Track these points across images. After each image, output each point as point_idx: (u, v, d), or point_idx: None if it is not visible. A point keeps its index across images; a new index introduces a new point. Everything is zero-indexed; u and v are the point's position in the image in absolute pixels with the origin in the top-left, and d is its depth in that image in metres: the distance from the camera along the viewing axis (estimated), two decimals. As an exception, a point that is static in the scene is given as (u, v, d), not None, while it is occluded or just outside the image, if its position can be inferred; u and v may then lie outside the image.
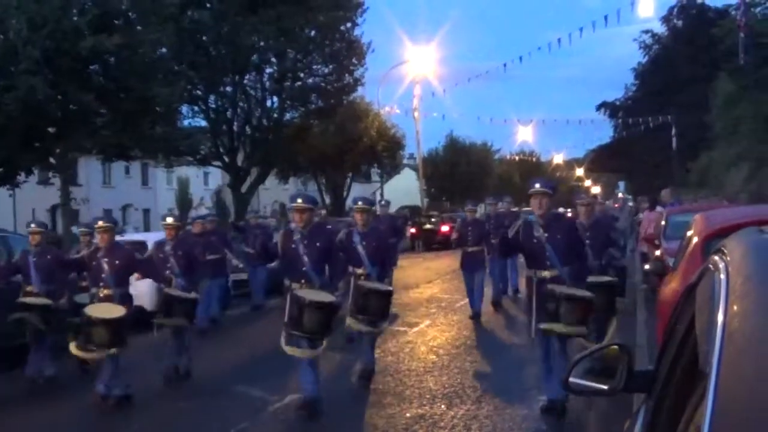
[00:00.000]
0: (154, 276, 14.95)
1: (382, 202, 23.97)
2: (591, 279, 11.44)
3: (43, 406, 12.94)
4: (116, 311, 12.30)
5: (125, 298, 12.90)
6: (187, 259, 15.19)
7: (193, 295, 14.44)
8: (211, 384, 13.71)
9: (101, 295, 12.73)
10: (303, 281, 11.33)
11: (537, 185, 10.45)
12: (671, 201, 27.28)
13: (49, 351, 14.65)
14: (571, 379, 3.53)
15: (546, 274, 10.36)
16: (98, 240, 12.99)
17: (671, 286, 9.86)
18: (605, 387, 3.48)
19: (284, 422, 10.68)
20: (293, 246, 11.43)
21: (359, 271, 13.13)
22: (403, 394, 12.01)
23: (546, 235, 10.41)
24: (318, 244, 11.44)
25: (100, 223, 12.92)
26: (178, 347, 13.98)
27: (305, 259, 11.33)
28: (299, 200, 11.46)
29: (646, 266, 20.33)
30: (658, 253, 18.08)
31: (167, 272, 15.00)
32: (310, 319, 10.81)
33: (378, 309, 12.32)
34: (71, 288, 15.48)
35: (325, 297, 11.17)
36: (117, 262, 12.78)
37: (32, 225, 15.26)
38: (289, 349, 11.25)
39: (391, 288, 13.52)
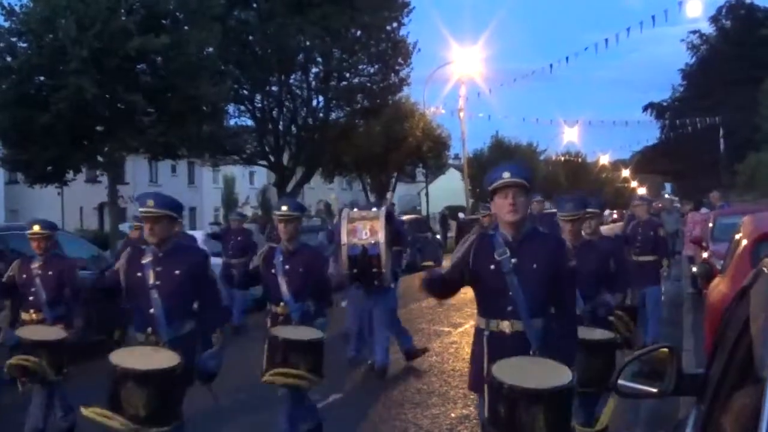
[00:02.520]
0: None
1: (387, 195, 19.91)
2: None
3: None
4: None
5: None
6: (59, 283, 10.85)
7: (61, 335, 10.06)
8: (256, 382, 13.11)
9: None
10: (149, 330, 7.64)
11: (506, 174, 6.12)
12: (720, 203, 27.00)
13: None
14: (620, 382, 3.54)
15: (505, 326, 6.17)
16: None
17: (720, 289, 9.79)
18: (654, 390, 3.48)
19: (333, 420, 10.61)
20: (139, 274, 7.72)
21: (277, 308, 9.47)
22: (447, 394, 11.96)
23: (514, 260, 6.11)
24: (177, 272, 7.74)
25: None
26: (43, 403, 10.00)
27: (154, 295, 7.61)
28: (150, 202, 7.69)
29: (693, 269, 20.18)
30: (705, 255, 17.95)
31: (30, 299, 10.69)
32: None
33: (302, 366, 8.94)
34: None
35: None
36: None
37: None
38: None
39: (319, 336, 8.98)
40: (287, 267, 9.40)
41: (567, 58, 48.84)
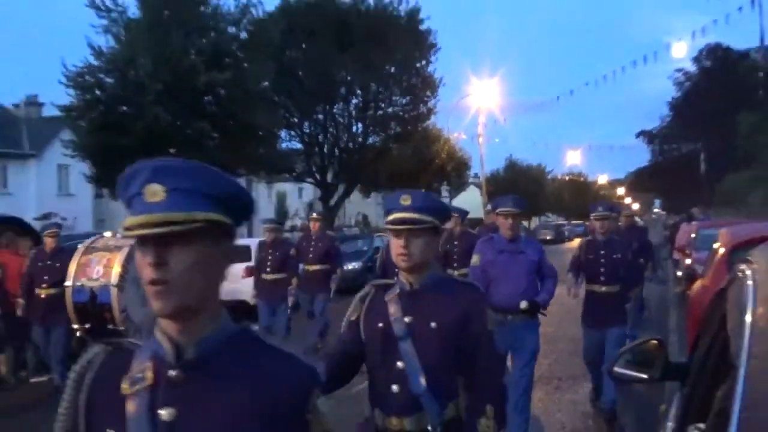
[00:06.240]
0: None
1: (313, 215, 15.58)
2: None
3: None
4: None
5: None
6: None
7: None
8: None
9: None
10: None
11: (404, 201, 3.73)
12: (701, 217, 27.01)
13: None
14: (615, 369, 3.55)
15: (395, 423, 3.70)
16: None
17: (700, 290, 9.74)
18: (645, 376, 3.49)
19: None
20: None
21: None
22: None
23: (408, 319, 3.71)
24: None
25: None
26: None
27: None
28: None
29: (678, 273, 20.13)
30: (688, 261, 17.88)
31: None
32: None
33: None
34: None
35: None
36: None
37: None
38: None
39: None
40: None
41: (571, 92, 49.18)
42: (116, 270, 6.45)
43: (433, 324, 3.59)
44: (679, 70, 69.58)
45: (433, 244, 3.73)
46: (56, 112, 37.02)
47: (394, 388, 3.58)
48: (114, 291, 6.37)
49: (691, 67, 68.21)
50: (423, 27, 44.51)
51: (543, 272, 7.83)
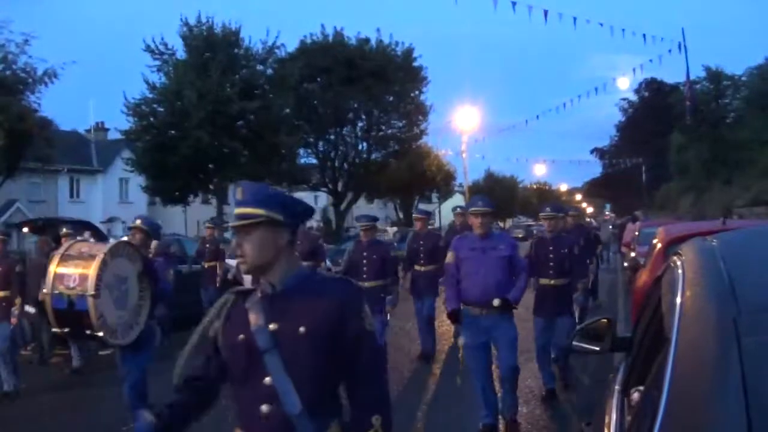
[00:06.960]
0: None
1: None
2: None
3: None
4: None
5: None
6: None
7: None
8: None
9: None
10: None
11: (238, 196, 2.75)
12: (643, 218, 27.05)
13: None
14: (574, 343, 3.56)
15: None
16: None
17: (642, 278, 9.75)
18: (597, 348, 3.50)
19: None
20: None
21: None
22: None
23: (273, 326, 2.60)
24: None
25: None
26: None
27: None
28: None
29: (625, 264, 20.13)
30: (633, 254, 17.88)
31: None
32: None
33: None
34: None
35: None
36: None
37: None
38: None
39: None
40: None
41: (537, 116, 49.61)
42: (92, 279, 5.91)
43: (301, 329, 2.54)
44: (623, 99, 69.88)
45: (274, 239, 2.64)
46: (119, 136, 37.35)
47: (264, 408, 2.54)
48: (90, 300, 5.83)
49: (632, 97, 68.50)
50: (416, 64, 44.59)
51: (516, 268, 7.10)
